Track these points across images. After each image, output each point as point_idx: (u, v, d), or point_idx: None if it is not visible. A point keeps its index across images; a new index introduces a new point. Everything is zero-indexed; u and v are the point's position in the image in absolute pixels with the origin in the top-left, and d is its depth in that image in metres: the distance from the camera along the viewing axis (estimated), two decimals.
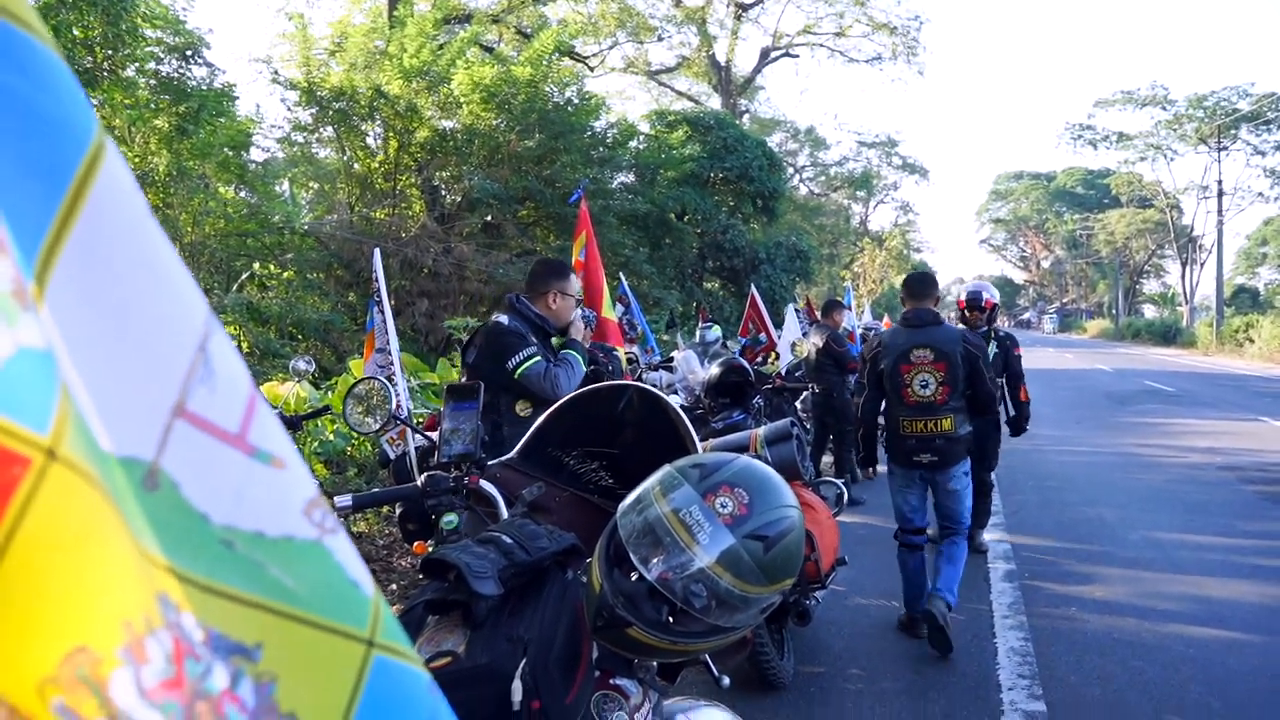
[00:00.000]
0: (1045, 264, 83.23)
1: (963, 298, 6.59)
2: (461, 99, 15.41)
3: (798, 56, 39.59)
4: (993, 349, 6.20)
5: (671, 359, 8.38)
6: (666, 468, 1.38)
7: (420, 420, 5.63)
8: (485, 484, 2.00)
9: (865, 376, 4.99)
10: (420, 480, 2.05)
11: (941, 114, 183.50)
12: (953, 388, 4.62)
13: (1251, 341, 33.28)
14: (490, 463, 2.09)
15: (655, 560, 1.28)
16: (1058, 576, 5.76)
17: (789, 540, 1.33)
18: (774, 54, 38.84)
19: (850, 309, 14.57)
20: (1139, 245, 63.16)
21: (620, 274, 11.67)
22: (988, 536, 6.61)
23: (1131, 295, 67.18)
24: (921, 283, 4.99)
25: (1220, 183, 42.57)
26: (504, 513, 1.92)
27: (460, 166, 16.05)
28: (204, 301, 0.57)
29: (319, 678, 0.59)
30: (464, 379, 3.80)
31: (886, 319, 20.98)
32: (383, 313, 4.89)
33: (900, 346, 4.71)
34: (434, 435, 3.16)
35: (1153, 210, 58.35)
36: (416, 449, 3.90)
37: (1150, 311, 64.88)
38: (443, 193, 16.74)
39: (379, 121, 15.52)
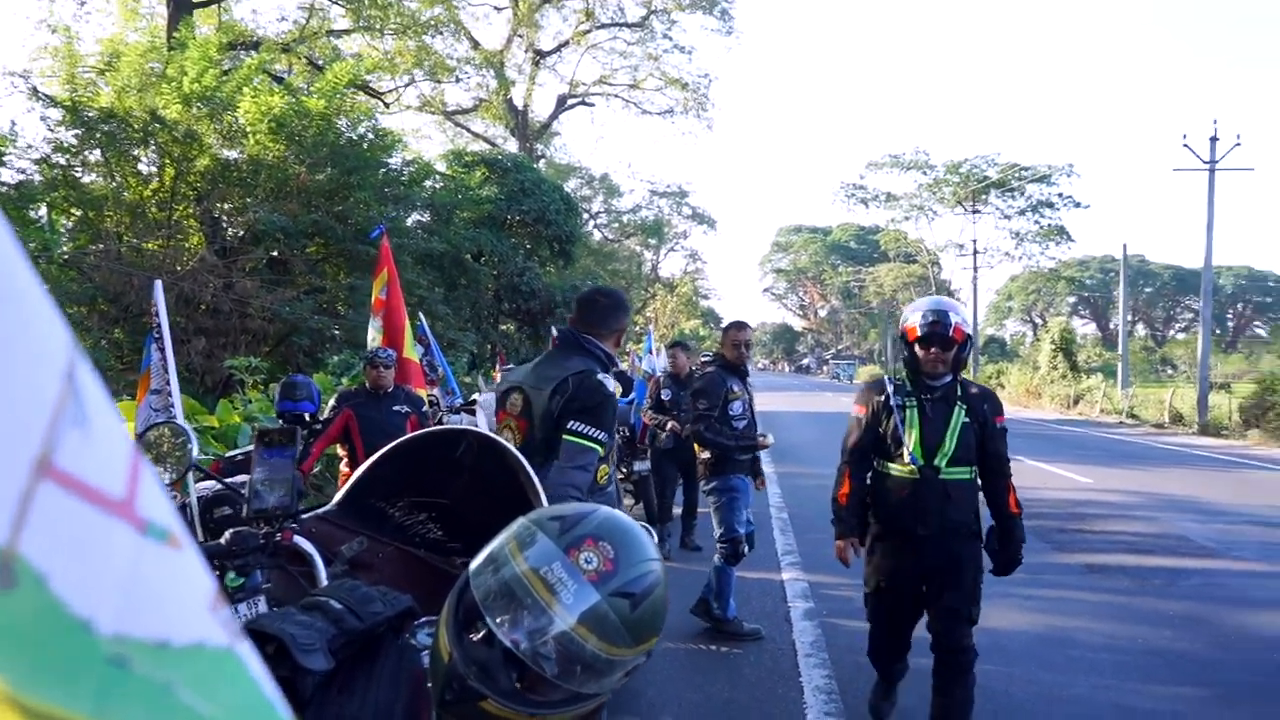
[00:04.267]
0: (822, 313, 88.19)
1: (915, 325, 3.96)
2: (248, 128, 14.64)
3: (594, 105, 40.41)
4: (960, 415, 3.75)
5: (474, 401, 8.17)
6: (521, 521, 1.26)
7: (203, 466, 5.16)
8: (300, 540, 1.80)
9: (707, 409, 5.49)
10: (225, 537, 1.82)
11: (729, 167, 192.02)
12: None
13: (1002, 387, 36.54)
14: (304, 516, 1.89)
15: (513, 623, 1.16)
16: (856, 613, 5.93)
17: (655, 596, 1.25)
18: (570, 101, 39.41)
19: (652, 352, 14.79)
20: (904, 297, 67.98)
21: (420, 314, 11.32)
22: (786, 575, 6.80)
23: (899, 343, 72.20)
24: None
25: (975, 242, 46.62)
26: (321, 571, 1.74)
27: (244, 198, 15.18)
28: (61, 319, 0.39)
29: None
30: (516, 423, 3.10)
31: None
32: (162, 350, 4.46)
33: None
34: (234, 481, 2.87)
35: (917, 265, 63.29)
36: (200, 499, 3.55)
37: None
38: (225, 225, 15.76)
39: (154, 147, 14.46)
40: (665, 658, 5.12)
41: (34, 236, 12.89)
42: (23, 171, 14.06)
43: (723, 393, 5.53)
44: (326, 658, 1.20)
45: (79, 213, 14.95)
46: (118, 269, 13.27)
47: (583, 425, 2.94)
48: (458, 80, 32.98)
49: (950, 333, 3.60)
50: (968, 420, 3.68)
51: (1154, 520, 9.71)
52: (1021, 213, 56.58)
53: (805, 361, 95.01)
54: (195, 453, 2.20)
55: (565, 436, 2.94)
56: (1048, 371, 35.04)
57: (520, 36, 35.70)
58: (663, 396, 7.82)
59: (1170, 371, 59.95)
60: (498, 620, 1.16)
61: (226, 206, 15.66)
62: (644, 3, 36.17)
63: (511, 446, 1.87)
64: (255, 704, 0.46)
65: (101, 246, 14.16)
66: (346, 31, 26.76)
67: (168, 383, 4.41)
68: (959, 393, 3.74)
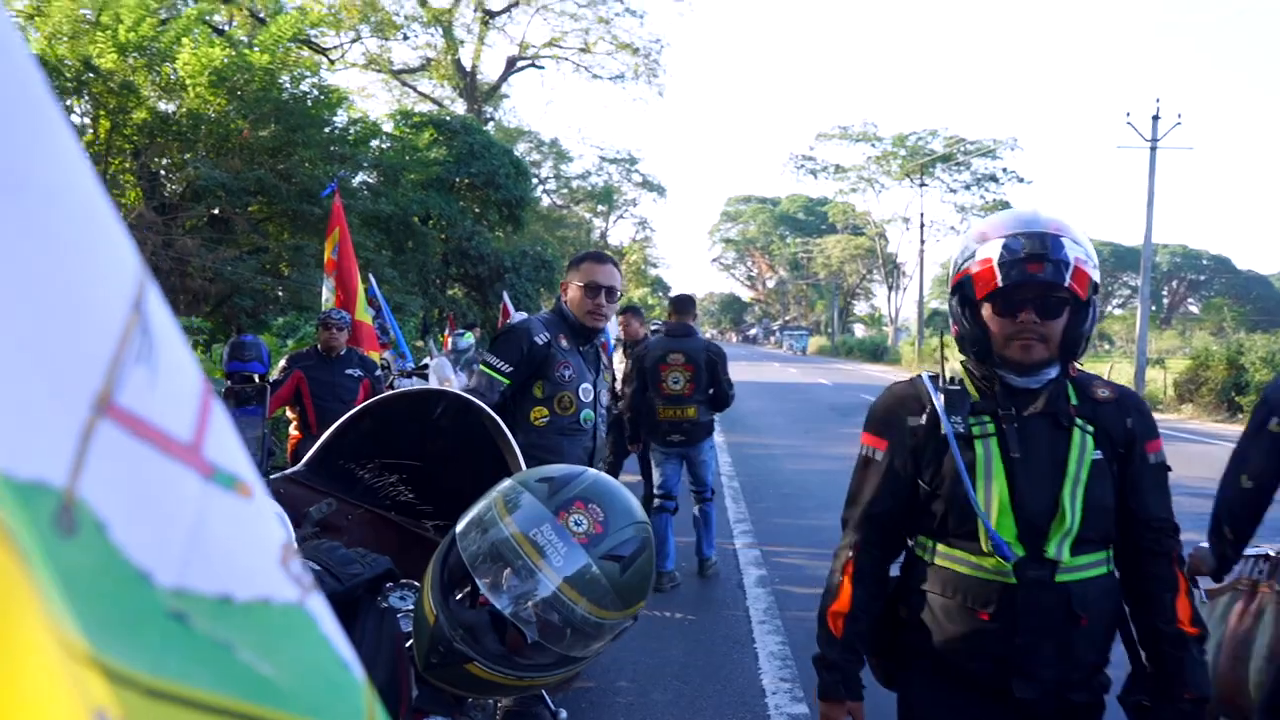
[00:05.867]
0: (770, 284, 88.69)
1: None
2: (187, 80, 14.17)
3: (544, 68, 39.85)
4: (1084, 448, 1.88)
5: (425, 366, 8.04)
6: (507, 482, 1.20)
7: None
8: None
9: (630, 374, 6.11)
10: None
11: (679, 135, 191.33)
12: (697, 385, 5.85)
13: (947, 360, 37.08)
14: (272, 477, 1.80)
15: (502, 586, 1.10)
16: (807, 581, 5.99)
17: (643, 560, 1.21)
18: (520, 64, 38.84)
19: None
20: (852, 269, 68.75)
21: (370, 275, 11.12)
22: (738, 544, 6.84)
23: (845, 315, 72.95)
24: (686, 302, 6.35)
25: (922, 215, 47.10)
26: (290, 535, 1.65)
27: (184, 153, 14.76)
28: (131, 241, 0.35)
29: None
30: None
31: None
32: None
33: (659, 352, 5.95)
34: None
35: (864, 238, 63.81)
36: None
37: (860, 330, 70.90)
38: (163, 180, 15.31)
39: (88, 98, 13.96)
40: None
41: None
42: None
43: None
44: None
45: None
46: None
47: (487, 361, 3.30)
48: (405, 38, 32.39)
49: (1066, 277, 1.74)
50: (1099, 455, 1.86)
51: None
52: (967, 187, 57.30)
53: (753, 332, 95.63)
54: None
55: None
56: None
57: None
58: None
59: (1108, 347, 61.41)
60: (486, 583, 1.10)
61: (165, 161, 15.22)
62: None
63: (488, 408, 1.80)
64: (324, 663, 0.42)
65: None
66: None
67: None
68: (1076, 400, 1.91)
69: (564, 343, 3.30)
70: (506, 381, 3.15)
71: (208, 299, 14.75)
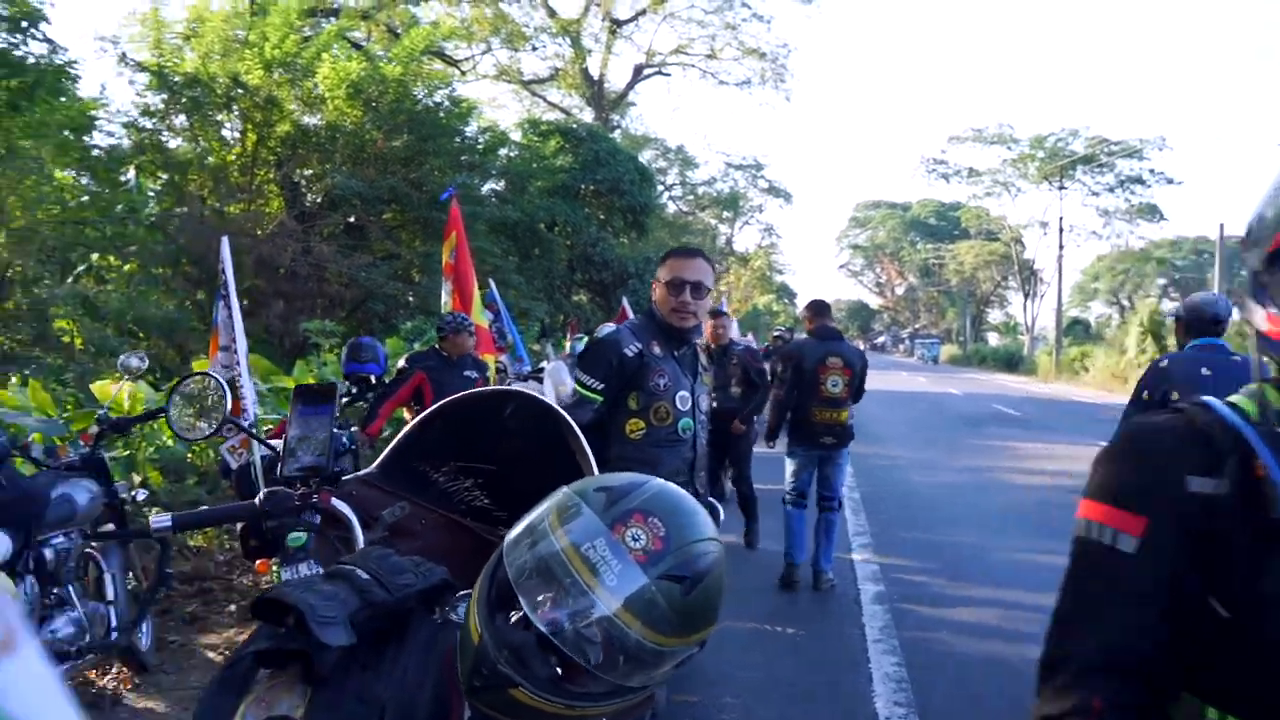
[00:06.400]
0: (899, 290, 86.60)
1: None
2: (326, 94, 14.79)
3: (670, 75, 40.01)
4: None
5: (542, 369, 8.09)
6: (564, 490, 1.12)
7: (267, 428, 5.16)
8: (338, 503, 1.69)
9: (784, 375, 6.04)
10: (259, 496, 1.72)
11: (806, 140, 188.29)
12: (851, 389, 5.95)
13: (1087, 370, 35.43)
14: (345, 478, 1.78)
15: (550, 605, 1.02)
16: (927, 599, 5.75)
17: (710, 581, 1.09)
18: (647, 71, 39.07)
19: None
20: (985, 276, 66.41)
21: (490, 280, 11.30)
22: (857, 557, 6.63)
23: (978, 323, 70.59)
24: (826, 306, 6.41)
25: (1061, 219, 45.13)
26: (359, 537, 1.63)
27: (323, 164, 15.38)
28: None
29: None
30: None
31: (751, 335, 21.16)
32: (229, 308, 4.44)
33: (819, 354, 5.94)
34: (279, 444, 2.79)
35: (999, 243, 61.56)
36: (262, 459, 3.49)
37: (994, 339, 68.39)
38: (303, 190, 15.99)
39: (236, 112, 14.71)
40: (728, 635, 4.98)
41: (122, 199, 13.23)
42: (112, 135, 14.39)
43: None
44: (348, 632, 1.08)
45: (165, 176, 15.28)
46: (201, 232, 13.51)
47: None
48: (534, 49, 32.98)
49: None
50: None
51: None
52: (1110, 189, 54.48)
53: (881, 339, 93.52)
54: (228, 408, 2.11)
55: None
56: (1136, 355, 33.76)
57: (597, 5, 35.44)
58: None
59: None
60: (533, 600, 1.02)
61: (306, 172, 15.89)
62: None
63: (563, 411, 1.73)
64: None
65: (186, 210, 14.46)
66: None
67: (234, 341, 4.39)
68: None
69: (657, 349, 3.12)
70: (599, 399, 3.03)
71: (343, 303, 15.33)
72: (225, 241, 4.68)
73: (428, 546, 1.68)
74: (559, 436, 1.70)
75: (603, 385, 3.02)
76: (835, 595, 5.83)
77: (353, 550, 1.64)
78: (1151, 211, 55.01)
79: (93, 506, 3.43)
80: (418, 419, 1.80)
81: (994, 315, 74.95)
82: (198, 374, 2.30)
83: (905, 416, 18.88)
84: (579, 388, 3.04)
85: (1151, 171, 53.38)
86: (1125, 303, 66.15)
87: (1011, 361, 48.75)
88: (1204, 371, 3.80)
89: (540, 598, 1.02)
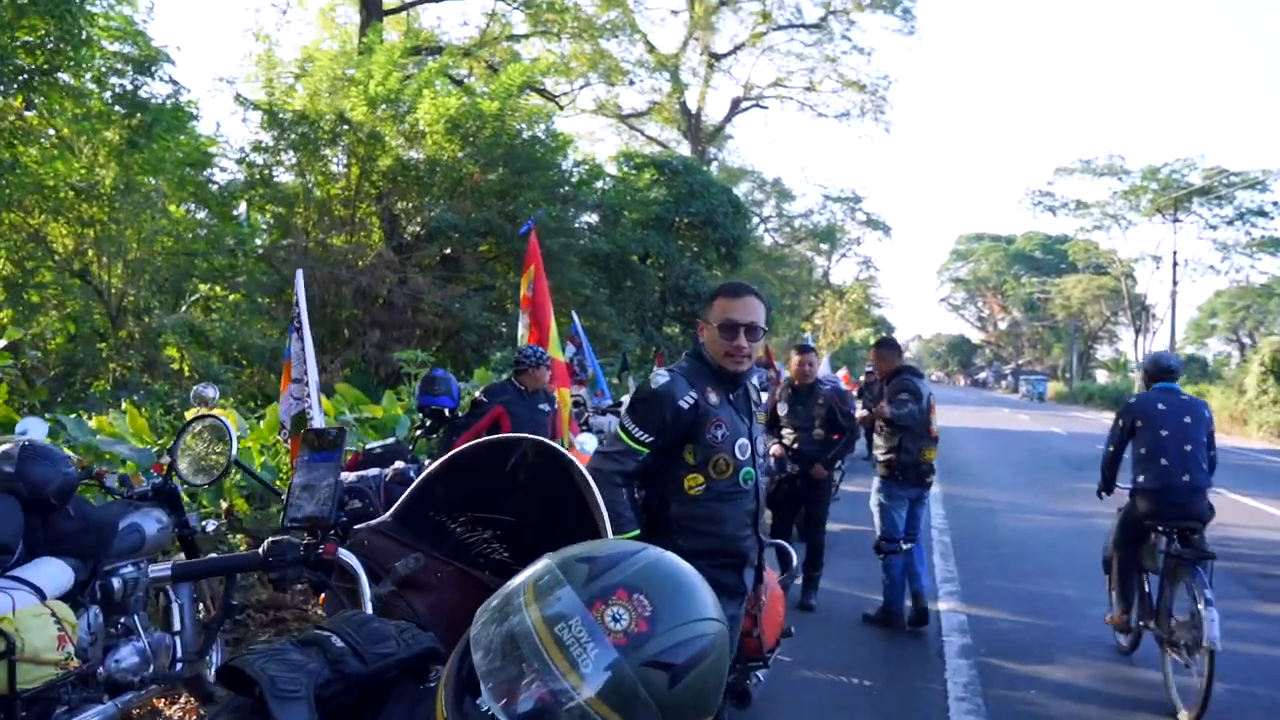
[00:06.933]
0: (1002, 325, 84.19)
1: None
2: (426, 129, 15.20)
3: (767, 108, 40.01)
4: None
5: (620, 403, 8.05)
6: (545, 559, 1.02)
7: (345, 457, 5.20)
8: (344, 554, 1.64)
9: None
10: (263, 547, 1.69)
11: (906, 172, 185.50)
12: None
13: None
14: (357, 527, 1.73)
15: (516, 691, 0.93)
16: (1016, 654, 5.46)
17: (704, 668, 0.97)
18: (744, 104, 39.14)
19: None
20: (1094, 311, 64.04)
21: (573, 312, 11.34)
22: (943, 606, 6.35)
23: (1085, 360, 68.07)
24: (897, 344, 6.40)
25: (1175, 254, 43.27)
26: (365, 589, 1.58)
27: (421, 197, 15.80)
28: None
29: None
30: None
31: (845, 372, 20.76)
32: (301, 340, 4.51)
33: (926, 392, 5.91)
34: (366, 474, 2.77)
35: (1108, 278, 59.32)
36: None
37: (1103, 376, 65.83)
38: (402, 222, 16.44)
39: (341, 147, 15.23)
40: (803, 687, 4.81)
41: (233, 231, 13.81)
42: (225, 170, 15.05)
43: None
44: (309, 709, 1.01)
45: (273, 209, 15.89)
46: (305, 264, 13.97)
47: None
48: (632, 83, 33.26)
49: None
50: None
51: None
52: (1229, 222, 51.96)
53: (982, 375, 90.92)
54: (234, 451, 2.10)
55: None
56: (1256, 396, 32.03)
57: (696, 39, 35.69)
58: (778, 410, 6.60)
59: None
60: (499, 683, 0.93)
61: (405, 204, 16.33)
62: (822, 3, 35.40)
63: (575, 459, 1.65)
64: None
65: (291, 241, 14.99)
66: (525, 36, 27.39)
67: (305, 373, 4.45)
68: None
69: (712, 397, 2.89)
70: (645, 451, 2.83)
71: (437, 334, 15.63)
72: (300, 275, 4.77)
73: (441, 601, 1.62)
74: (573, 488, 1.62)
75: (651, 439, 2.84)
76: (916, 646, 5.59)
77: (359, 604, 1.59)
78: (1275, 245, 52.25)
79: (162, 536, 3.49)
80: (434, 465, 1.74)
81: (1103, 351, 72.19)
82: (201, 415, 2.29)
83: (1004, 456, 18.23)
84: (624, 436, 2.88)
85: (1275, 204, 50.78)
86: (1245, 340, 62.95)
87: (1120, 400, 46.85)
88: (1160, 406, 5.08)
89: (507, 680, 0.93)
